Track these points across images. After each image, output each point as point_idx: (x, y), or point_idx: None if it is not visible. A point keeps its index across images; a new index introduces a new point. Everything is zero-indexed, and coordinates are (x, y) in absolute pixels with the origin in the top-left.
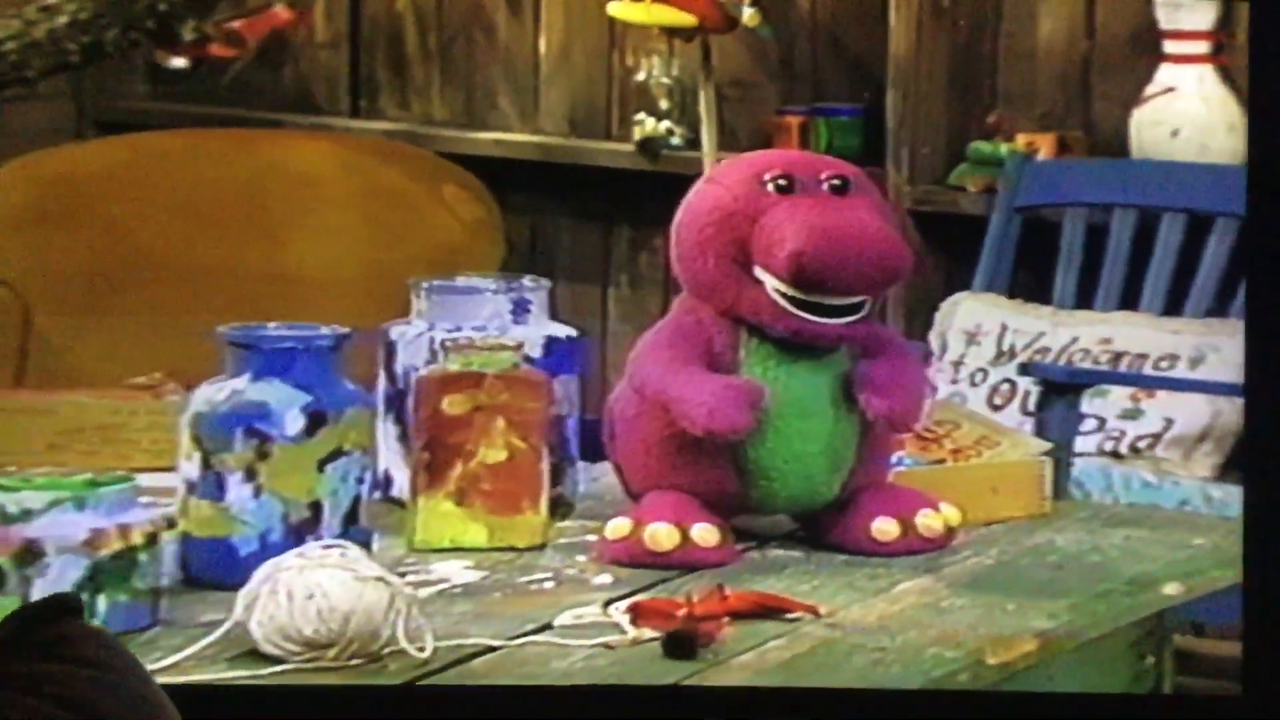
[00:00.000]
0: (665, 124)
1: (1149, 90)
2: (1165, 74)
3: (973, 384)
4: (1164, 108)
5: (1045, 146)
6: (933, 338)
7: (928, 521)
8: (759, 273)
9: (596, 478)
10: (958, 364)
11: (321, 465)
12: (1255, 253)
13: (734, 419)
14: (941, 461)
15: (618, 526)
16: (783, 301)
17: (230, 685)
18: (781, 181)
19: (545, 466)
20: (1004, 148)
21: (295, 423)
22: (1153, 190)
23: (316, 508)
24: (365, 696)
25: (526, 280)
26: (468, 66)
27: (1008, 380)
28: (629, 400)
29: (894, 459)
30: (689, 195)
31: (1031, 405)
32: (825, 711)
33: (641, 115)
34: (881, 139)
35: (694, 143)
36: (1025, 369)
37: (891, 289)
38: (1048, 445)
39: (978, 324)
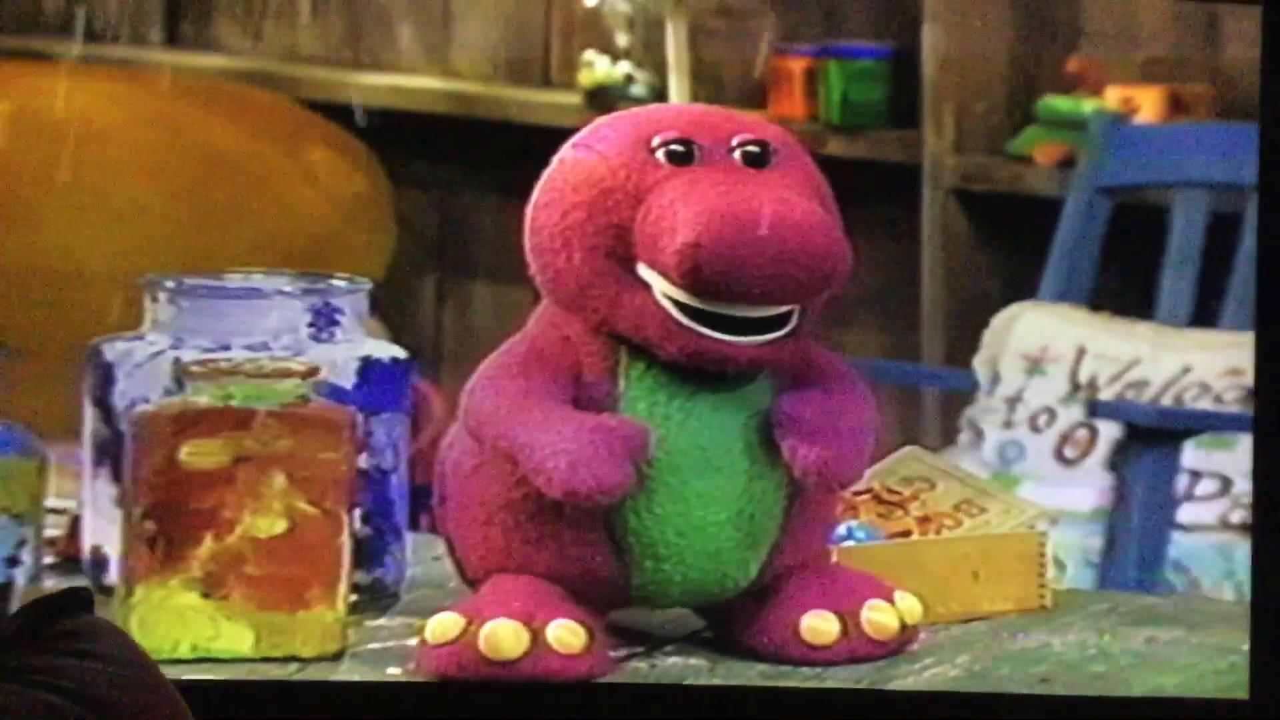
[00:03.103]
0: (623, 67)
1: None
2: None
3: (1035, 429)
4: None
5: (1149, 105)
6: (978, 365)
7: (877, 617)
8: (644, 272)
9: (439, 555)
10: (1014, 401)
11: None
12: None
13: (605, 474)
14: (905, 534)
15: (443, 625)
16: (676, 312)
17: (243, 681)
18: (676, 148)
19: (347, 541)
20: (1088, 105)
21: None
22: None
23: None
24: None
25: (336, 280)
26: None
27: (1086, 425)
28: (464, 449)
29: (837, 531)
30: (550, 167)
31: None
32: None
33: (591, 55)
34: (915, 91)
35: (661, 93)
36: (1097, 408)
37: (827, 295)
38: (1046, 512)
39: (1044, 346)
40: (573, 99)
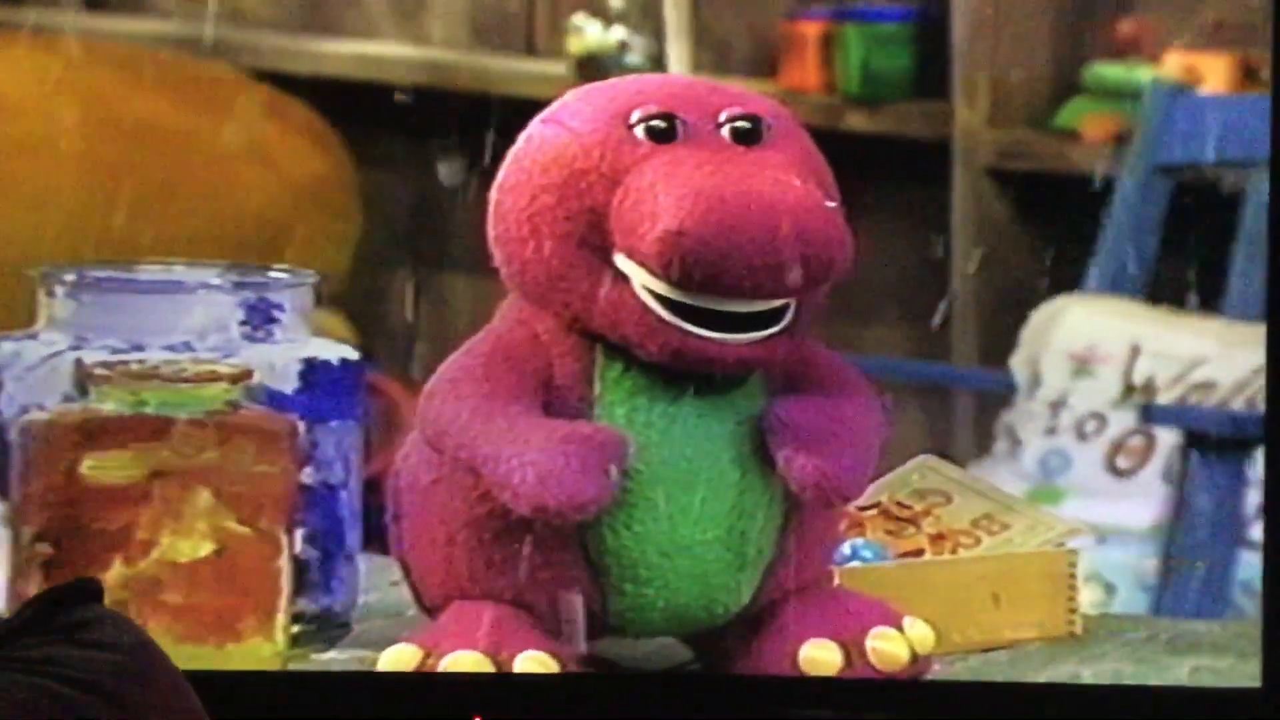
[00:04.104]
0: (616, 33)
1: None
2: None
3: (1082, 436)
4: None
5: (1214, 74)
6: (1017, 365)
7: (884, 646)
8: (621, 263)
9: (397, 581)
10: (1058, 405)
11: None
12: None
13: (578, 488)
14: (917, 553)
15: (399, 658)
16: (657, 306)
17: (255, 673)
18: (657, 123)
19: (286, 565)
20: (1144, 74)
21: None
22: None
23: None
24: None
25: (275, 272)
26: None
27: (1141, 432)
28: (421, 461)
29: (840, 550)
30: (517, 146)
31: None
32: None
33: (580, 19)
34: (944, 57)
35: (659, 61)
36: (1154, 414)
37: (825, 287)
38: (1079, 528)
39: (1092, 344)
40: (560, 69)
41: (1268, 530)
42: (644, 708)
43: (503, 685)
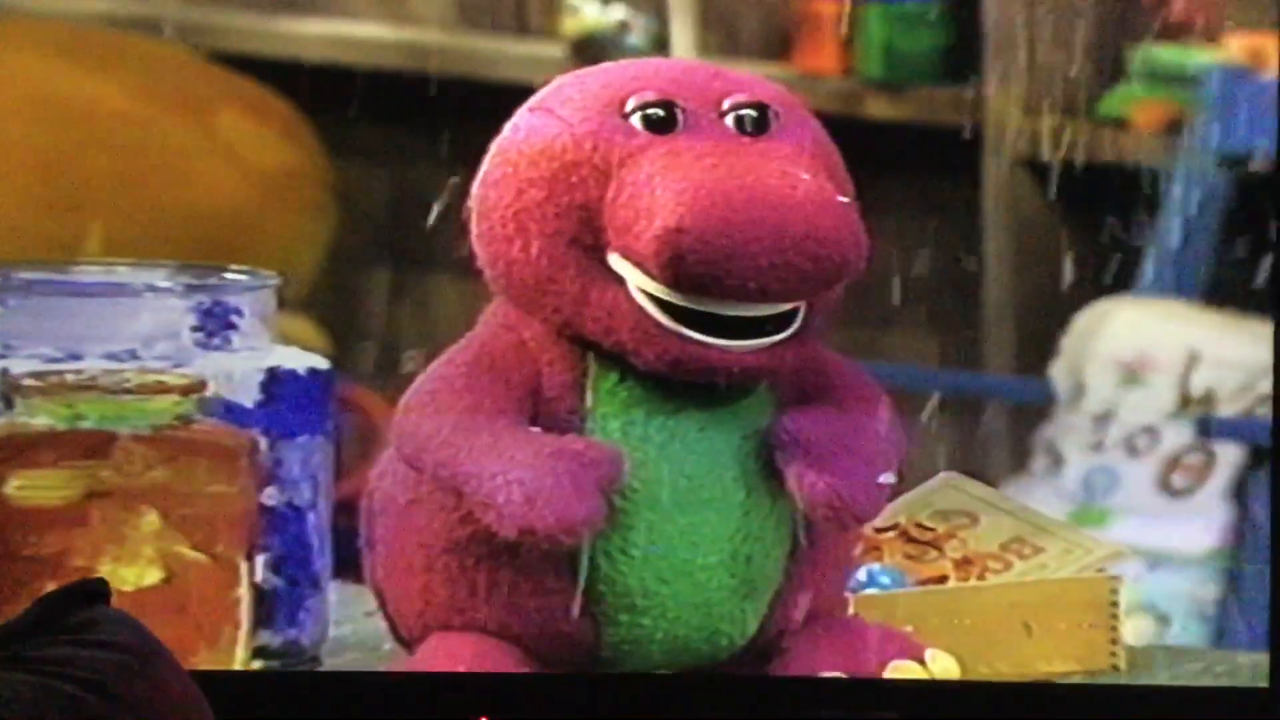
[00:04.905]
0: (615, 12)
1: None
2: None
3: (1132, 452)
4: None
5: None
6: (1057, 374)
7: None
8: (616, 263)
9: (371, 611)
10: (1104, 418)
11: None
12: None
13: (568, 509)
14: (940, 580)
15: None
16: (655, 310)
17: (258, 674)
18: (655, 112)
19: (246, 594)
20: (1201, 57)
21: None
22: None
23: None
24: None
25: (233, 274)
26: None
27: (1199, 448)
28: (398, 480)
29: (856, 576)
30: (502, 136)
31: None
32: None
33: None
34: (974, 38)
35: (662, 42)
36: (1214, 428)
37: (838, 289)
38: (1122, 552)
39: (1143, 350)
40: (554, 51)
41: (1275, 530)
42: (645, 708)
43: (503, 685)
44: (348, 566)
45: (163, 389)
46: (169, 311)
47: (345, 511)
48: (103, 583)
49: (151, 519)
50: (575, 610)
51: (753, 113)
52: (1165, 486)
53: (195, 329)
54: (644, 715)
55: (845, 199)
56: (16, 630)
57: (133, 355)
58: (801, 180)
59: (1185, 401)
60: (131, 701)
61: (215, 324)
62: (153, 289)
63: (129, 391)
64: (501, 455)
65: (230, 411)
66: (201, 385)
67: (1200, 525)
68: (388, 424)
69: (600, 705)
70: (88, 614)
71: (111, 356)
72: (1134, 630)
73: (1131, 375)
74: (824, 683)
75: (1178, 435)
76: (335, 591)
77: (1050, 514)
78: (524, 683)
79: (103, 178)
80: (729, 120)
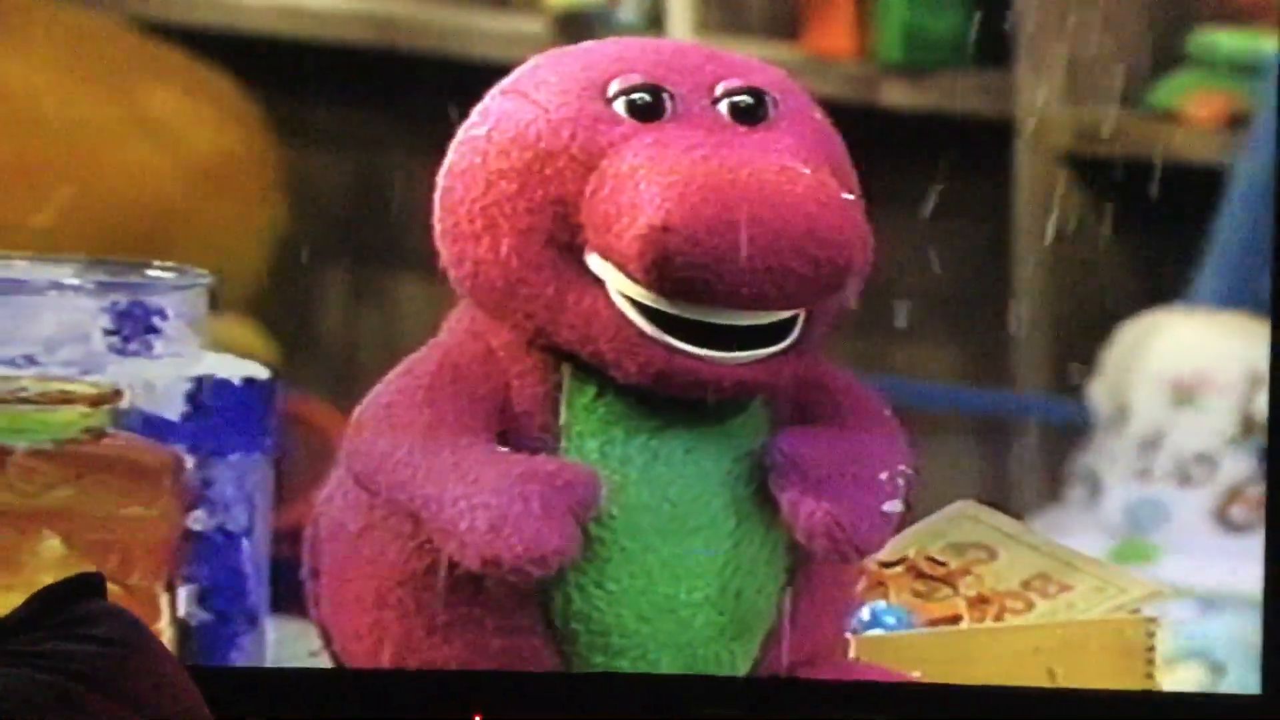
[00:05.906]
0: None
1: None
2: None
3: (1184, 481)
4: None
5: None
6: (1098, 393)
7: None
8: (595, 264)
9: (315, 650)
10: (1152, 444)
11: None
12: None
13: (538, 538)
14: (953, 620)
15: None
16: (637, 317)
17: (255, 670)
18: (641, 97)
19: (167, 630)
20: (1266, 44)
21: None
22: None
23: None
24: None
25: (156, 271)
26: None
27: (1261, 478)
28: (348, 504)
29: (859, 615)
30: (470, 122)
31: None
32: None
33: None
34: (1006, 18)
35: (656, 19)
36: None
37: (841, 296)
38: (1161, 592)
39: (1198, 369)
40: (535, 27)
41: (1269, 534)
42: (644, 708)
43: (503, 685)
44: (290, 600)
45: (67, 399)
46: (76, 312)
47: (289, 539)
48: (98, 577)
49: (53, 544)
50: (545, 652)
51: (749, 99)
52: (1222, 520)
53: (109, 332)
54: (643, 715)
55: (849, 196)
56: (10, 624)
57: (31, 361)
58: (801, 175)
59: (1246, 427)
60: (126, 696)
61: (133, 327)
62: (57, 286)
63: (27, 401)
64: (465, 477)
65: (151, 425)
66: (115, 395)
67: (1261, 563)
68: (338, 439)
69: (600, 705)
70: (82, 608)
71: (7, 362)
72: (1183, 679)
73: (1184, 396)
74: (820, 685)
75: (1238, 464)
76: (275, 628)
77: (1085, 549)
78: (523, 682)
79: (8, 160)
80: (722, 107)
